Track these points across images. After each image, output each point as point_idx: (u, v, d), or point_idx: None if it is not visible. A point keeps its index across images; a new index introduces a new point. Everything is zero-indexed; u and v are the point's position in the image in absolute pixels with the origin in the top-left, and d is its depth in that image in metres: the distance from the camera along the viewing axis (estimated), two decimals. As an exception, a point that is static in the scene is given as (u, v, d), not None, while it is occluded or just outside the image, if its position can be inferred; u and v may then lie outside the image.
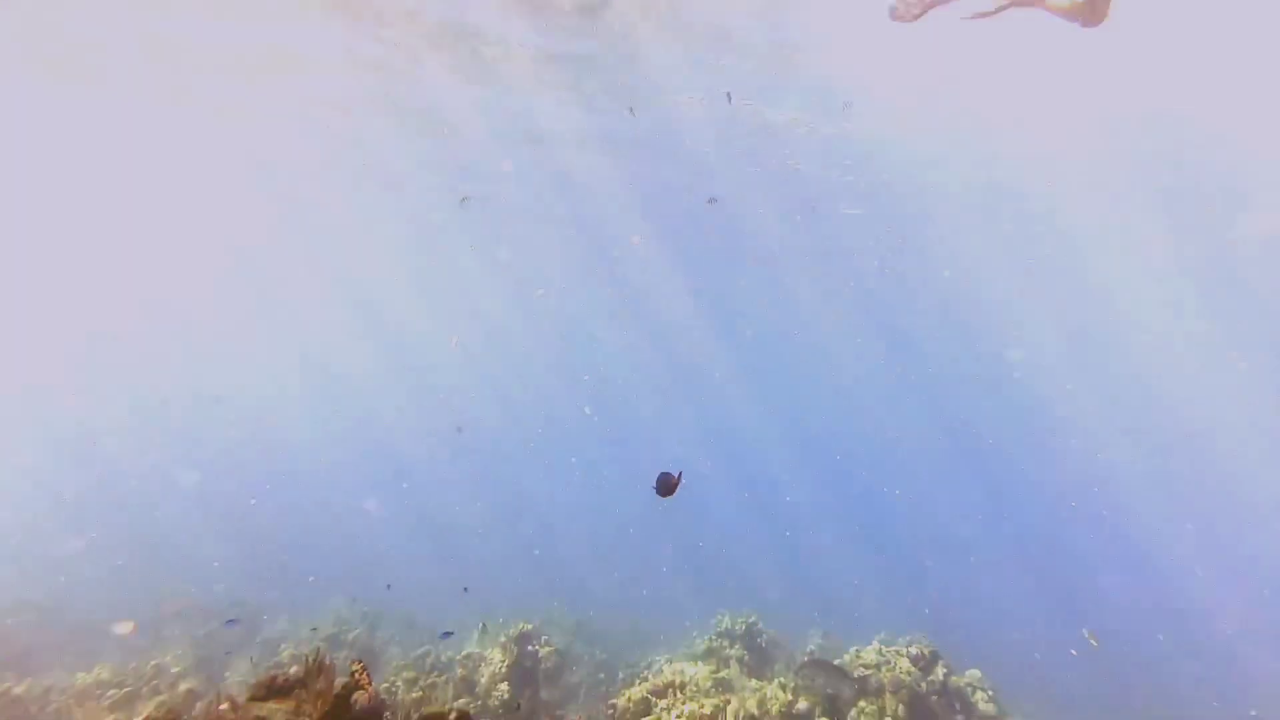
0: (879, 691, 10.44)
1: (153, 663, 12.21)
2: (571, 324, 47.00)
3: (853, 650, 11.84)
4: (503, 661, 13.08)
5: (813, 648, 13.92)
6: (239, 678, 13.64)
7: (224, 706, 5.82)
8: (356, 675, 5.78)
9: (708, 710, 9.52)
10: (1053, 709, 13.63)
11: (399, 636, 18.53)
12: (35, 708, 10.59)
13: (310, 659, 6.61)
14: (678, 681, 10.83)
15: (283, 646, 14.82)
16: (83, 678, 11.44)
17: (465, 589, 15.09)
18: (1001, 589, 34.68)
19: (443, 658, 15.76)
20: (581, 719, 5.52)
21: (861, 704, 10.19)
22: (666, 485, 6.20)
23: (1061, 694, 15.13)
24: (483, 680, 12.89)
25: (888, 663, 10.97)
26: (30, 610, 17.65)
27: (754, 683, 12.29)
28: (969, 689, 10.88)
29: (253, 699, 6.05)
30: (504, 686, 12.45)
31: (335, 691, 5.62)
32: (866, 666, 10.93)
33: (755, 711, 10.02)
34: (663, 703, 9.97)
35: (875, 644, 11.66)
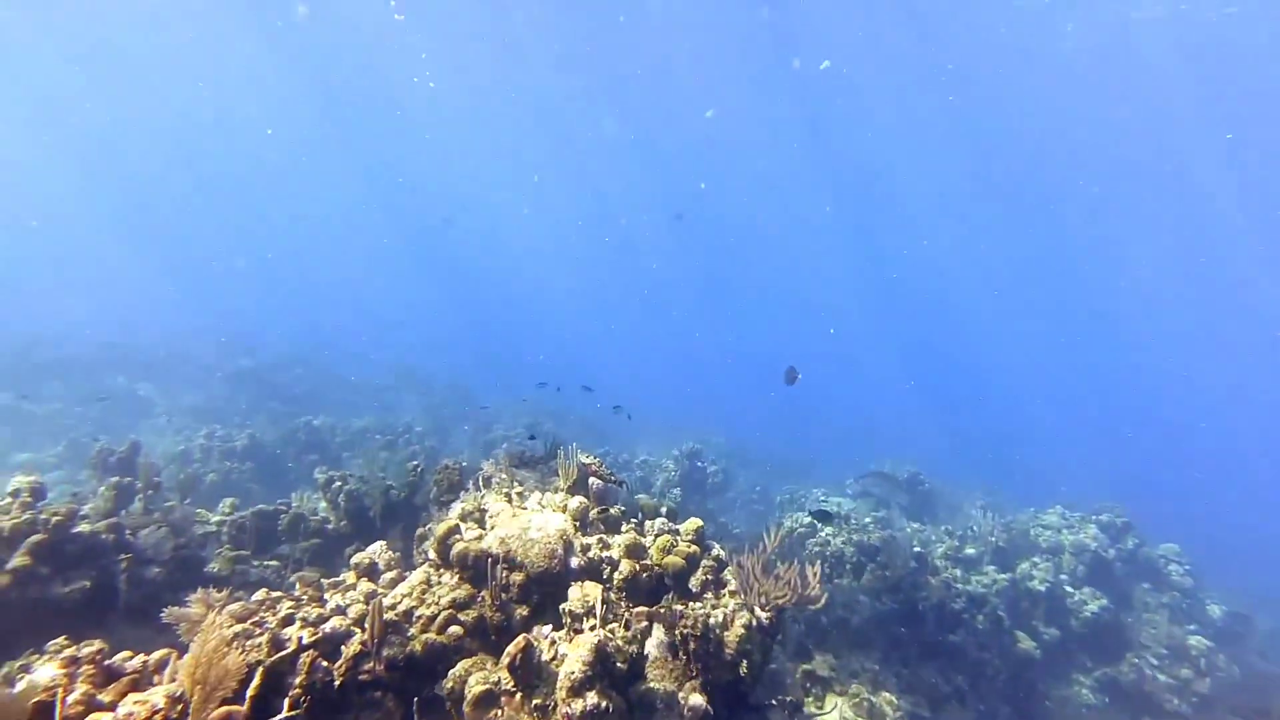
0: (1056, 550, 10.25)
1: (405, 419, 15.07)
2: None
3: (1030, 511, 11.55)
4: (675, 471, 14.49)
5: (982, 503, 13.79)
6: (464, 443, 16.52)
7: (495, 467, 7.13)
8: (595, 466, 6.72)
9: (874, 540, 9.95)
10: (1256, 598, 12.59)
11: (578, 436, 21.04)
12: (327, 436, 13.68)
13: (553, 443, 7.80)
14: (842, 513, 11.35)
15: (495, 426, 17.53)
16: (356, 422, 14.40)
17: (617, 407, 15.78)
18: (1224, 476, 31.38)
19: (619, 459, 17.79)
20: (780, 535, 5.98)
21: (1035, 559, 10.11)
22: (789, 377, 8.61)
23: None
24: (658, 483, 14.49)
25: (1070, 526, 10.62)
26: (301, 365, 22.14)
27: (916, 524, 12.59)
28: (1162, 561, 10.32)
29: (509, 466, 7.34)
30: (677, 491, 13.91)
31: (578, 472, 6.61)
32: (1046, 527, 10.68)
33: (919, 549, 10.33)
34: (828, 529, 10.57)
35: (1057, 508, 11.25)
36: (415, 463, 9.12)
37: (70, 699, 2.73)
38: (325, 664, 3.95)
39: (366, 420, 14.63)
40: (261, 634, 3.95)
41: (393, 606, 4.55)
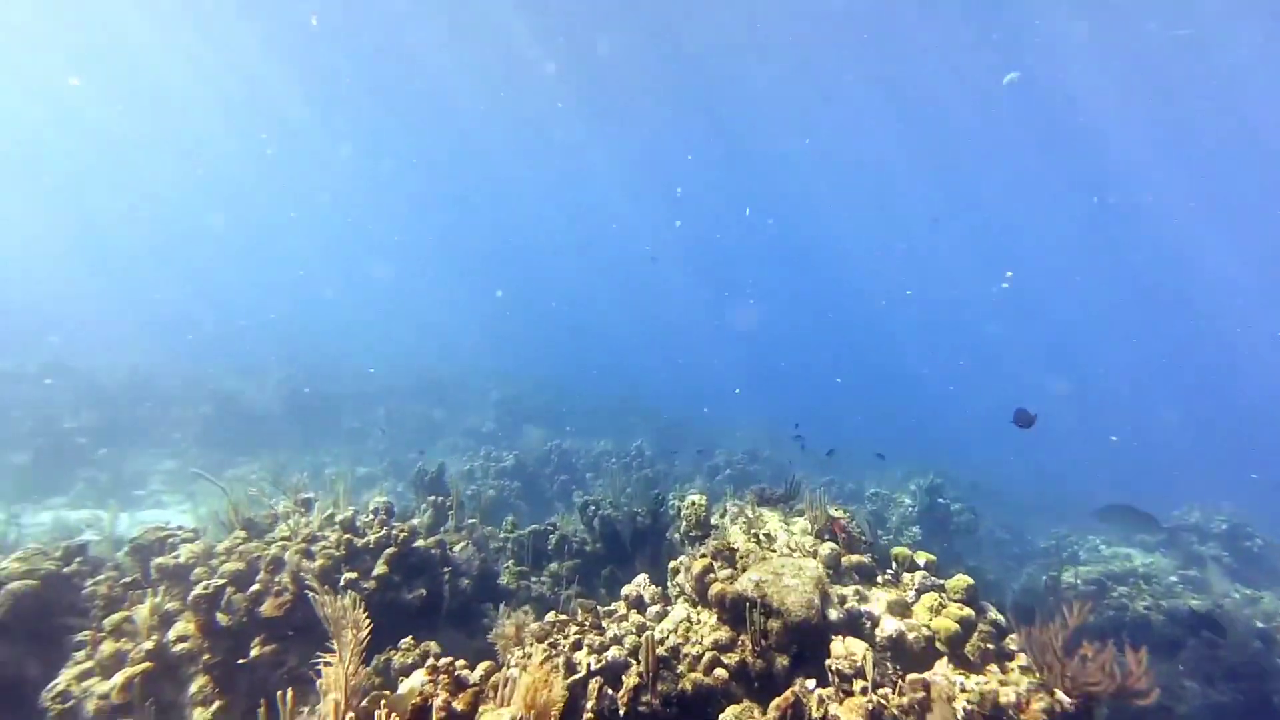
0: None
1: (636, 443, 16.02)
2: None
3: None
4: (913, 506, 13.19)
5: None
6: (688, 467, 17.00)
7: (738, 506, 7.17)
8: (845, 521, 6.33)
9: (1191, 607, 7.95)
10: None
11: (799, 465, 20.33)
12: (574, 458, 15.04)
13: (794, 482, 7.64)
14: (1140, 570, 9.28)
15: (716, 452, 17.80)
16: (596, 445, 15.66)
17: (830, 452, 14.56)
18: None
19: (844, 488, 16.77)
20: (1082, 611, 5.01)
21: None
22: (1023, 420, 7.49)
23: None
24: (893, 519, 13.32)
25: None
26: (551, 388, 24.74)
27: (1247, 590, 9.84)
28: None
29: (753, 504, 7.33)
30: (916, 530, 12.64)
31: (826, 518, 6.34)
32: None
33: (1260, 624, 8.02)
34: (1121, 589, 8.70)
35: None
36: (656, 491, 9.55)
37: (435, 704, 3.23)
38: (610, 691, 4.23)
39: (604, 444, 15.82)
40: (557, 656, 4.36)
41: (661, 642, 4.72)
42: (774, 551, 5.85)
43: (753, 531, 6.06)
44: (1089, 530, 15.30)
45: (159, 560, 5.34)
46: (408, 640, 5.07)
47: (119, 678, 4.21)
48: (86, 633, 4.65)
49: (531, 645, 4.51)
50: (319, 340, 31.14)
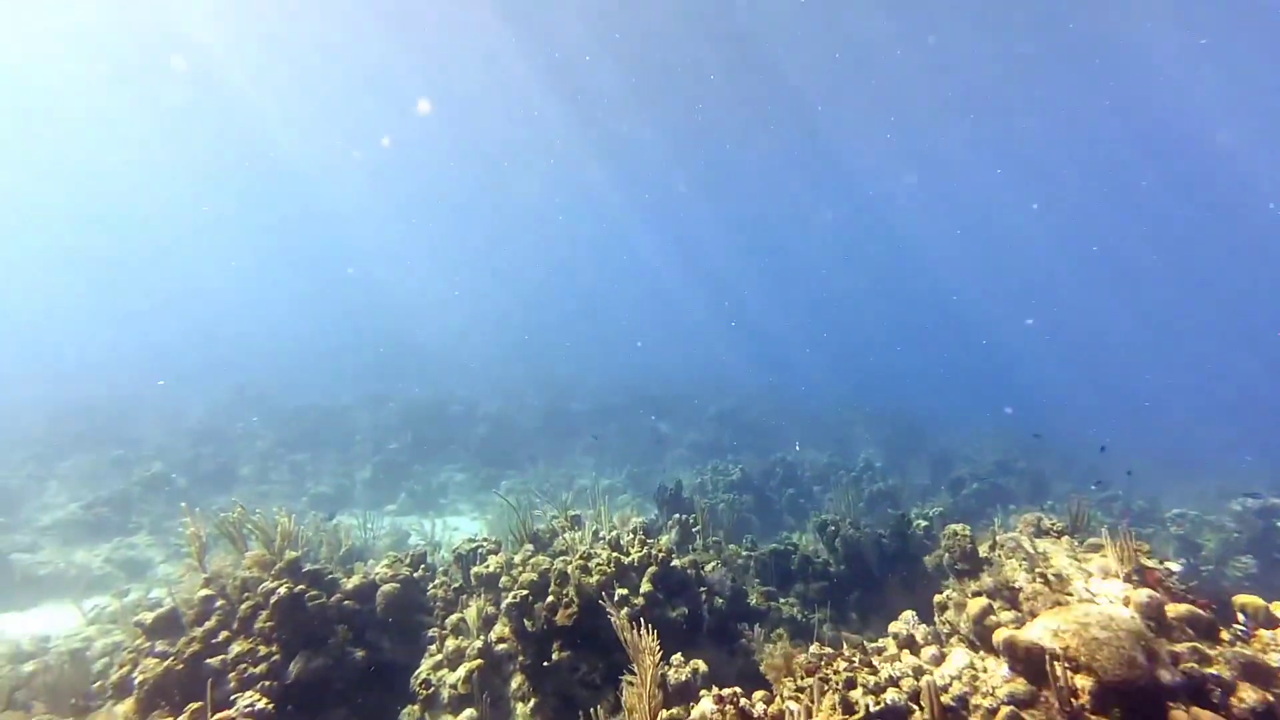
0: None
1: (862, 454, 15.04)
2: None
3: None
4: (1239, 533, 10.34)
5: None
6: (921, 478, 15.51)
7: (1014, 539, 6.32)
8: (1161, 573, 5.08)
9: None
10: None
11: (1062, 473, 17.28)
12: (799, 471, 14.57)
13: (1076, 511, 6.50)
14: None
15: (957, 464, 15.96)
16: (820, 457, 15.01)
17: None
18: None
19: (1131, 505, 13.80)
20: None
21: None
22: None
23: None
24: (1209, 546, 10.57)
25: None
26: (759, 404, 24.40)
27: None
28: None
29: (1030, 537, 6.39)
30: (1246, 561, 9.87)
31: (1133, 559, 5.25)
32: None
33: None
34: None
35: None
36: (901, 512, 8.83)
37: (728, 735, 3.28)
38: (893, 738, 3.96)
39: (828, 456, 15.12)
40: (832, 693, 4.21)
41: (945, 689, 4.30)
42: (1070, 595, 4.99)
43: (1037, 570, 5.25)
44: None
45: (475, 569, 6.35)
46: (677, 656, 5.31)
47: (462, 671, 5.08)
48: (434, 630, 5.70)
49: (802, 679, 4.41)
50: (559, 365, 34.74)
